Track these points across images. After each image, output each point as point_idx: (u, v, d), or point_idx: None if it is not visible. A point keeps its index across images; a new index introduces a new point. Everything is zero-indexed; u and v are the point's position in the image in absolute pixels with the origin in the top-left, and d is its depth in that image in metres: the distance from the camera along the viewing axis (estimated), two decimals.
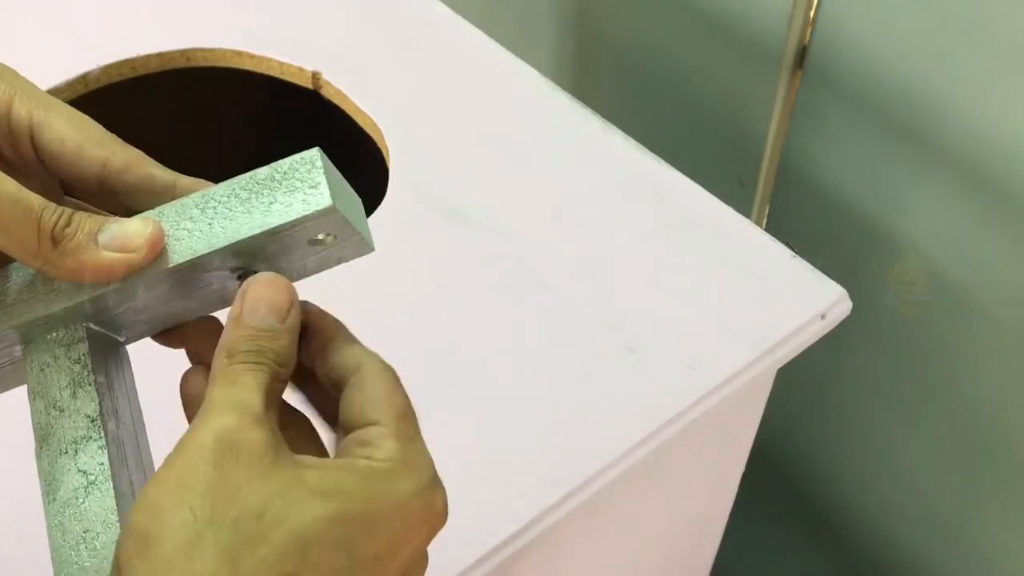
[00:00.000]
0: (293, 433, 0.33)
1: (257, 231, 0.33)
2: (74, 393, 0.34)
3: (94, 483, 0.32)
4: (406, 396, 0.34)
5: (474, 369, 0.60)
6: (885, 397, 0.91)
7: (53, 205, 0.33)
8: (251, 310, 0.33)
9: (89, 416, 0.33)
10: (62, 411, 0.34)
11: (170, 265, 0.33)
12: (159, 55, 0.79)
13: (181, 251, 0.34)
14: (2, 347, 0.35)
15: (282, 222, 0.34)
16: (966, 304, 0.79)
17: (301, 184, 0.34)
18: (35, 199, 0.32)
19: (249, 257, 0.35)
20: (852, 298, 0.66)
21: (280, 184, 0.34)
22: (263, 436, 0.30)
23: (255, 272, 0.35)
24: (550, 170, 0.73)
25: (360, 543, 0.30)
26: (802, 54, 0.82)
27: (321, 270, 0.37)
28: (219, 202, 0.34)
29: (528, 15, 1.14)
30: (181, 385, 0.35)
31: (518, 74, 0.80)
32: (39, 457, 0.34)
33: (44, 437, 0.34)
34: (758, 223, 0.92)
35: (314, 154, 0.34)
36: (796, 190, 0.89)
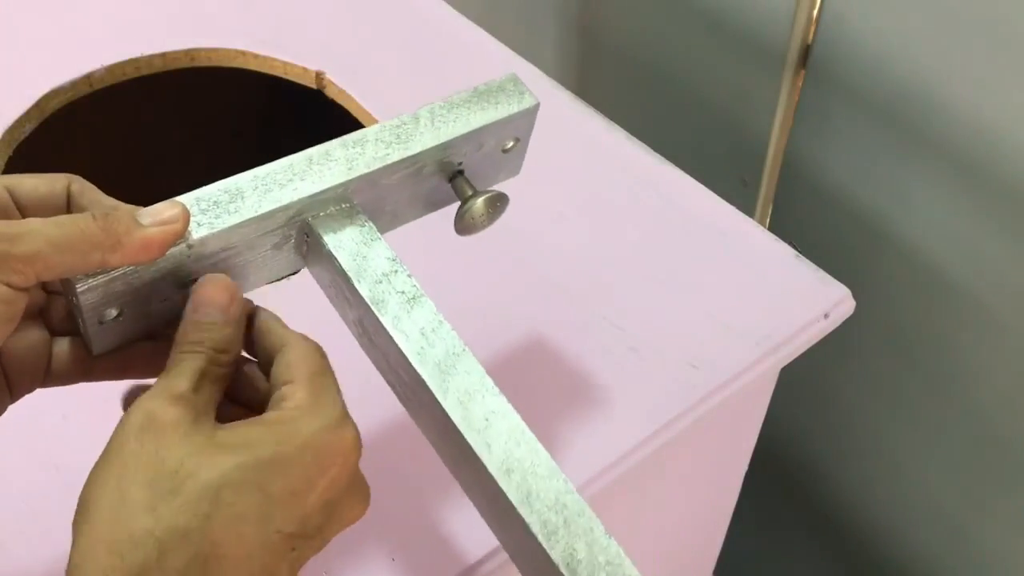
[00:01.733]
0: (234, 410, 0.39)
1: (478, 125, 0.46)
2: (368, 244, 0.43)
3: (414, 298, 0.42)
4: (323, 360, 0.39)
5: None
6: (888, 396, 0.91)
7: (88, 212, 0.37)
8: (195, 308, 0.38)
9: (389, 257, 0.43)
10: (365, 257, 0.42)
11: (404, 156, 0.44)
12: (163, 55, 0.79)
13: (412, 145, 0.44)
14: (281, 230, 0.42)
15: (499, 117, 0.47)
16: (969, 304, 0.79)
17: (511, 93, 0.48)
18: (78, 216, 0.37)
19: (456, 156, 0.46)
20: (855, 297, 0.66)
21: (491, 95, 0.47)
22: (179, 411, 0.35)
23: (461, 175, 0.47)
24: (553, 169, 0.73)
25: (272, 482, 0.34)
26: (805, 54, 0.82)
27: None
28: (443, 109, 0.46)
29: (531, 14, 1.14)
30: (123, 400, 0.41)
31: (521, 73, 0.80)
32: (358, 286, 0.42)
33: (358, 273, 0.42)
34: (761, 223, 0.92)
35: (513, 75, 0.49)
36: (799, 190, 0.89)
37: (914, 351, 0.86)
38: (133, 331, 0.41)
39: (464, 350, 0.41)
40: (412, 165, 0.45)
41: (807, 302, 0.65)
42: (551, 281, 0.65)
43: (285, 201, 0.42)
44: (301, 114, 0.83)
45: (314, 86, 0.79)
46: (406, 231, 0.54)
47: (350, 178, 0.43)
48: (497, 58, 0.81)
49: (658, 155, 0.74)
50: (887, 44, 0.76)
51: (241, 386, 0.40)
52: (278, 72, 0.80)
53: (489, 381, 0.41)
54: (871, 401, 0.93)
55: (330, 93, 0.79)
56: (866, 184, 0.83)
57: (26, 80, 0.75)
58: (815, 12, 0.79)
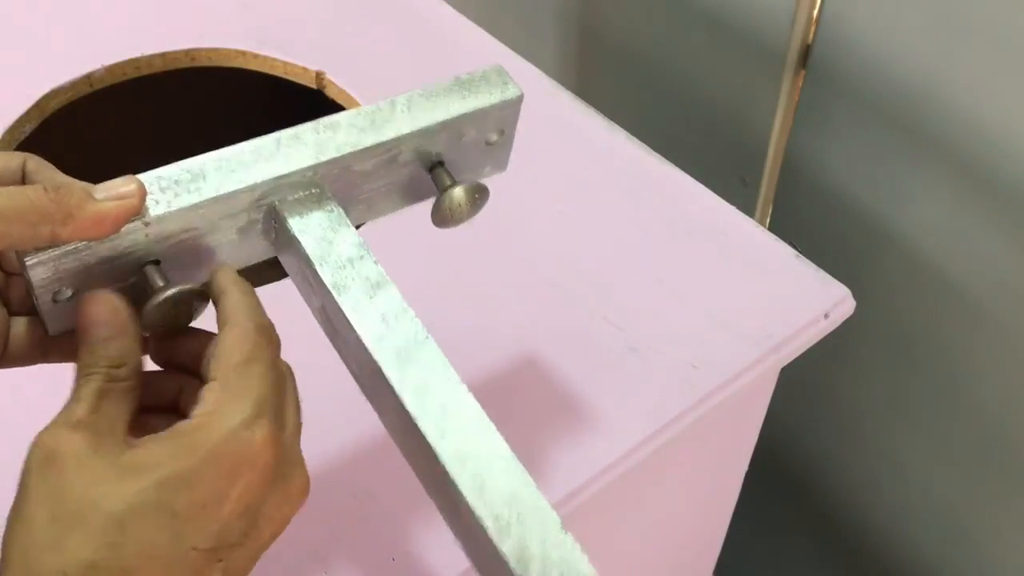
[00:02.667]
0: (154, 419, 0.38)
1: (456, 114, 0.44)
2: (335, 230, 0.41)
3: (378, 285, 0.40)
4: (254, 345, 0.37)
5: (477, 368, 0.60)
6: (888, 396, 0.91)
7: (39, 184, 0.36)
8: (81, 331, 0.37)
9: (356, 243, 0.41)
10: (331, 242, 0.41)
11: (377, 142, 0.42)
12: (163, 55, 0.79)
13: (386, 131, 0.43)
14: (245, 213, 0.41)
15: (480, 106, 0.45)
16: (969, 304, 0.79)
17: (494, 84, 0.46)
18: (29, 187, 0.36)
19: (435, 146, 0.44)
20: (855, 297, 0.66)
21: (473, 85, 0.45)
22: (78, 438, 0.34)
23: (441, 166, 0.45)
24: (553, 169, 0.73)
25: (177, 500, 0.33)
26: (805, 53, 0.82)
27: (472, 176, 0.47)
28: (421, 97, 0.44)
29: (531, 14, 1.14)
30: None
31: (521, 73, 0.80)
32: (320, 271, 0.40)
33: (322, 258, 0.41)
34: (761, 222, 0.92)
35: (498, 66, 0.46)
36: (799, 189, 0.89)
37: (914, 351, 0.86)
38: None
39: (427, 339, 0.40)
40: (386, 152, 0.43)
41: (807, 302, 0.65)
42: (551, 281, 0.65)
43: (248, 182, 0.40)
44: (301, 114, 0.83)
45: (314, 86, 0.79)
46: (406, 232, 0.54)
47: (319, 162, 0.42)
48: (497, 58, 0.81)
49: (658, 155, 0.74)
50: (887, 44, 0.76)
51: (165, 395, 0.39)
52: (278, 72, 0.80)
53: (451, 371, 0.39)
54: (871, 401, 0.93)
55: (330, 93, 0.79)
56: (866, 184, 0.83)
57: (26, 80, 0.75)
58: (815, 12, 0.79)
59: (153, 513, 0.33)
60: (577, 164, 0.73)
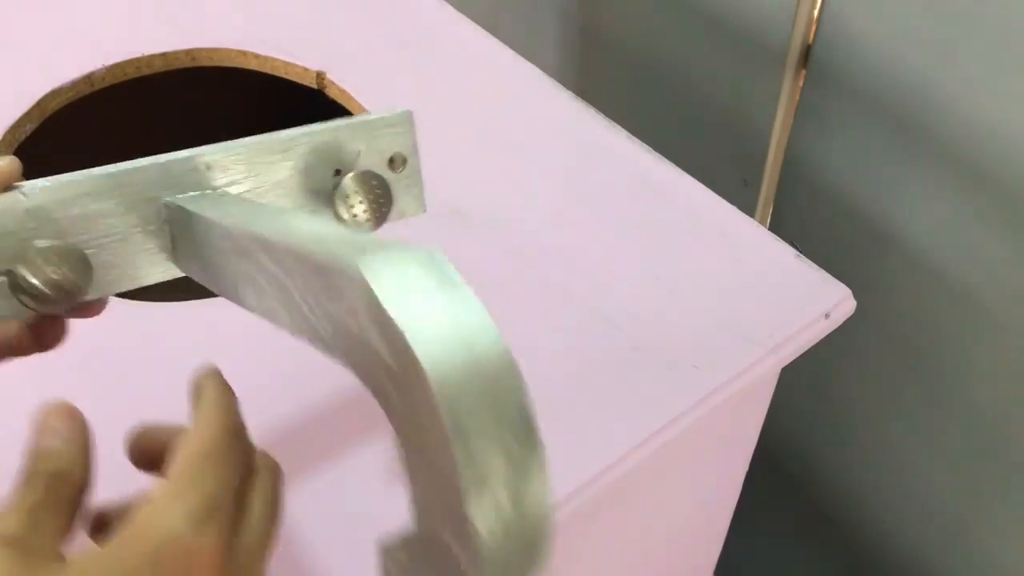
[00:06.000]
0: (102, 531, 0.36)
1: (344, 124, 0.43)
2: (235, 203, 0.41)
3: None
4: (215, 442, 0.34)
5: None
6: (889, 396, 0.91)
7: None
8: (34, 437, 0.35)
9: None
10: (227, 207, 0.40)
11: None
12: (164, 55, 0.79)
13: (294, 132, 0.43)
14: (136, 207, 0.40)
15: (366, 119, 0.44)
16: (970, 304, 0.79)
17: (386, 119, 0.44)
18: None
19: (344, 161, 0.44)
20: (856, 297, 0.66)
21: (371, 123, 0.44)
22: (7, 556, 0.31)
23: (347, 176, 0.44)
24: (554, 169, 0.73)
25: None
26: (806, 53, 0.82)
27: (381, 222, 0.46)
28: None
29: (532, 15, 1.14)
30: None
31: (522, 73, 0.80)
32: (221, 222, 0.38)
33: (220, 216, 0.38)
34: (762, 222, 0.92)
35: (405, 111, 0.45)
36: (800, 189, 0.89)
37: (914, 351, 0.86)
38: None
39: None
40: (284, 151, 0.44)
41: (808, 302, 0.65)
42: (550, 281, 0.65)
43: (136, 165, 0.39)
44: (301, 114, 0.83)
45: (315, 86, 0.79)
46: (404, 231, 0.54)
47: (211, 148, 0.42)
48: (497, 58, 0.81)
49: (658, 155, 0.74)
50: (887, 44, 0.76)
51: None
52: (279, 72, 0.80)
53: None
54: (871, 401, 0.93)
55: (330, 93, 0.79)
56: (867, 184, 0.83)
57: (27, 80, 0.75)
58: (815, 12, 0.79)
59: None
60: (577, 164, 0.73)
